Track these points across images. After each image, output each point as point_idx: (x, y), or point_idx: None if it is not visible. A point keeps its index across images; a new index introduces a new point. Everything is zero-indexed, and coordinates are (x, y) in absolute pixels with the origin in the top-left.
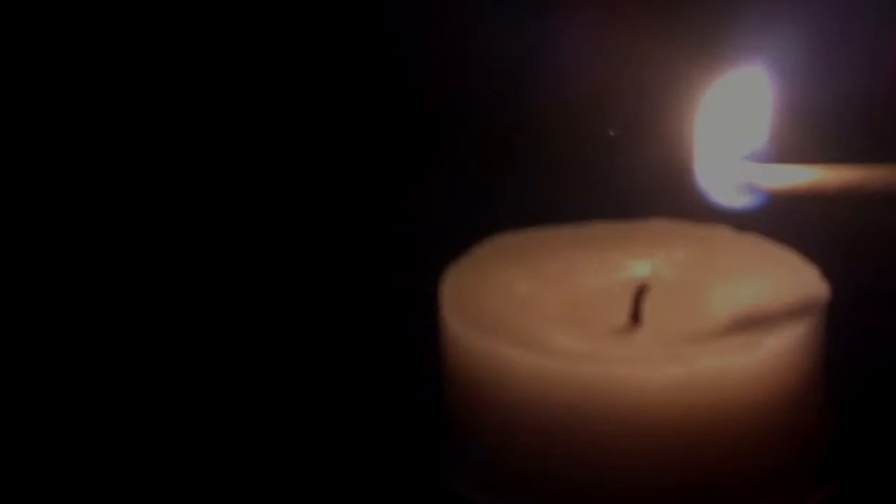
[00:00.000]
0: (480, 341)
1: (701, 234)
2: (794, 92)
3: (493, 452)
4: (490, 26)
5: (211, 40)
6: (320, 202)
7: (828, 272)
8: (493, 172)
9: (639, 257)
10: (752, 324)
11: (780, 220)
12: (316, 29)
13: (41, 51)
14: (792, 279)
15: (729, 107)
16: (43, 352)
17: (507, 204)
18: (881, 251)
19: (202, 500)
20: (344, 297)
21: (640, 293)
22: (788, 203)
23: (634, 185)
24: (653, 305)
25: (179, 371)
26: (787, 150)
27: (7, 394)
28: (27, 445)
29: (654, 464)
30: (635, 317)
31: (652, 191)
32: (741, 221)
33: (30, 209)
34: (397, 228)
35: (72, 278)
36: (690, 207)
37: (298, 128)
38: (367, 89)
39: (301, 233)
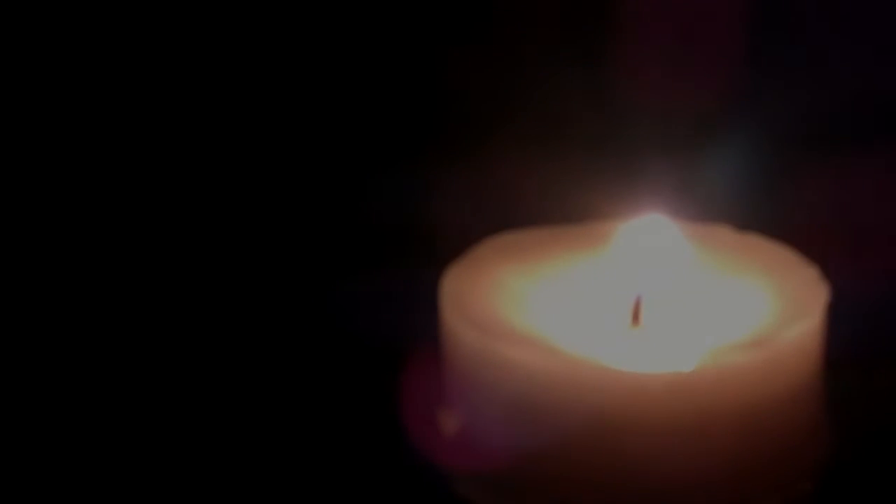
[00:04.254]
0: (480, 341)
1: (701, 234)
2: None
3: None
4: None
5: (189, 42)
6: (320, 202)
7: (828, 272)
8: (493, 172)
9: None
10: (751, 324)
11: (779, 219)
12: (318, 26)
13: (38, 51)
14: (792, 279)
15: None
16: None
17: (508, 204)
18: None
19: (201, 499)
20: (344, 298)
21: (640, 293)
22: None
23: (633, 184)
24: (653, 305)
25: (176, 373)
26: None
27: (5, 394)
28: (24, 445)
29: (654, 464)
30: (635, 317)
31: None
32: (741, 221)
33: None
34: (397, 228)
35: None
36: (691, 207)
37: (298, 127)
38: (368, 88)
39: (299, 233)
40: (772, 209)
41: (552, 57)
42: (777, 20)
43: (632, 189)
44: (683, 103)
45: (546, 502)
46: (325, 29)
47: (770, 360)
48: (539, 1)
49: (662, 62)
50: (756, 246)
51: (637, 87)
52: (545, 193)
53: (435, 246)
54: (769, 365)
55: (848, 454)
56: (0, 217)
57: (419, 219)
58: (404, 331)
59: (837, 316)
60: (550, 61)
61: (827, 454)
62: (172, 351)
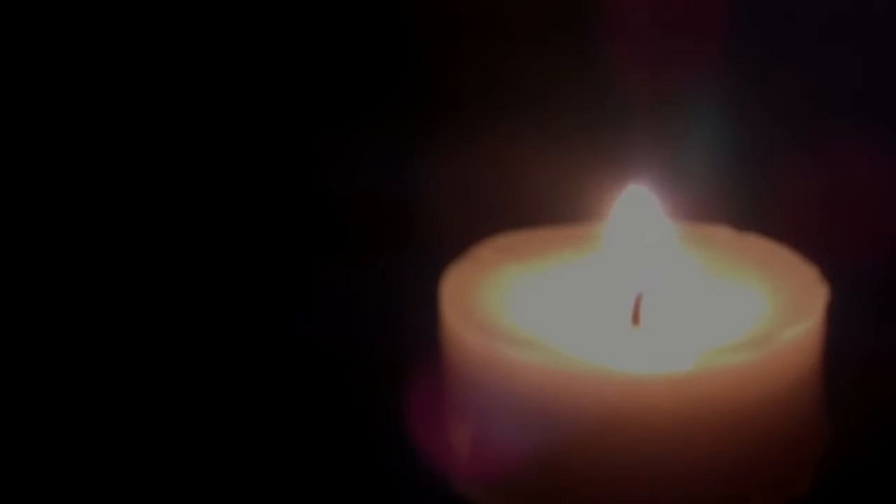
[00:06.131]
0: (480, 341)
1: (701, 234)
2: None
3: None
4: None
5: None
6: (318, 202)
7: (828, 272)
8: (492, 172)
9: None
10: (751, 324)
11: (780, 220)
12: (316, 23)
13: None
14: (792, 279)
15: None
16: None
17: (507, 204)
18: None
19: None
20: (343, 297)
21: (640, 293)
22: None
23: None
24: (652, 305)
25: (170, 373)
26: None
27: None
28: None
29: (653, 463)
30: (635, 317)
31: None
32: (741, 221)
33: None
34: (397, 229)
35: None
36: (690, 207)
37: (298, 126)
38: (366, 88)
39: (299, 233)
40: (771, 208)
41: (547, 50)
42: (775, 6)
43: (629, 182)
44: (678, 95)
45: (546, 501)
46: (323, 23)
47: (769, 360)
48: None
49: (657, 52)
50: (756, 246)
51: (633, 81)
52: (545, 192)
53: (434, 246)
54: (768, 365)
55: (848, 454)
56: None
57: (418, 220)
58: (404, 332)
59: (837, 316)
60: (545, 55)
61: (826, 454)
62: (168, 354)
